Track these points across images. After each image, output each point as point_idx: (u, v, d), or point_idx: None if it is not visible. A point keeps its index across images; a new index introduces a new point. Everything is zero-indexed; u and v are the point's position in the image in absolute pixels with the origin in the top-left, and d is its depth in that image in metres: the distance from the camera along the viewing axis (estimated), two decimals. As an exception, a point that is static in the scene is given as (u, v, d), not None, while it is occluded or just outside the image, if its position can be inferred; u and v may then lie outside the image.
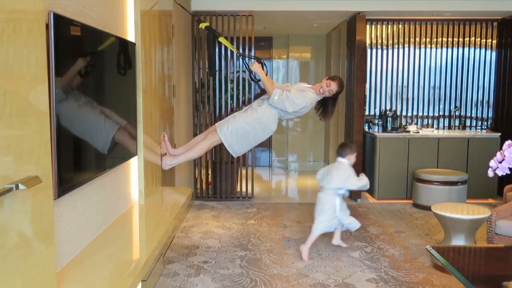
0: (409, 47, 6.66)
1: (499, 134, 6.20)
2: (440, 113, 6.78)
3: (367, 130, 6.46)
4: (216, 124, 3.98)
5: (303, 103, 3.84)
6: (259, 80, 3.87)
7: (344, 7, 5.87)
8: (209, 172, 6.34)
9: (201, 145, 3.93)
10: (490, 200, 6.04)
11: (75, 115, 2.22)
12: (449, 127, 6.76)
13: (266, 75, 3.85)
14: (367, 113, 6.65)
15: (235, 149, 3.90)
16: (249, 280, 3.59)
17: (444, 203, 4.86)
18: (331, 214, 4.14)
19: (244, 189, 6.26)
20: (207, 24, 3.87)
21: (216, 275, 3.70)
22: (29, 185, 1.53)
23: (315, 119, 8.55)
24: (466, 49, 6.68)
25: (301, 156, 8.67)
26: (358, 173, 4.35)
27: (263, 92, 4.18)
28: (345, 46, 6.59)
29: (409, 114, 6.75)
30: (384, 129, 6.31)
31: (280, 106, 3.79)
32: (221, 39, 3.92)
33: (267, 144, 8.76)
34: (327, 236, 4.64)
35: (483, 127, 6.73)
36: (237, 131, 3.82)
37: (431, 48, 6.68)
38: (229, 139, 3.84)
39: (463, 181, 5.67)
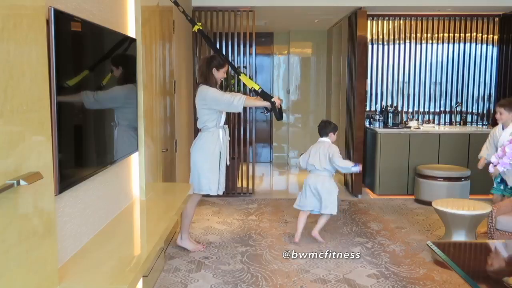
0: (410, 42, 6.65)
1: (500, 130, 6.18)
2: (441, 109, 6.77)
3: (368, 126, 6.46)
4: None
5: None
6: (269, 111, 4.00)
7: (345, 3, 5.86)
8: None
9: (187, 208, 4.13)
10: (491, 196, 6.03)
11: (76, 110, 2.22)
12: (450, 123, 6.75)
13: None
14: (368, 109, 6.64)
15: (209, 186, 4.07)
16: (250, 276, 3.60)
17: (445, 198, 4.87)
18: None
19: (245, 185, 6.26)
20: (199, 26, 3.85)
21: (217, 271, 3.71)
22: (30, 181, 1.53)
23: (316, 114, 8.55)
24: (467, 45, 6.66)
25: (302, 152, 8.66)
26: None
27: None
28: (346, 42, 6.57)
29: (410, 110, 6.75)
30: (385, 125, 6.31)
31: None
32: (242, 77, 4.02)
33: (267, 140, 8.76)
34: (328, 231, 4.65)
35: (484, 122, 6.72)
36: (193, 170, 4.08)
37: (432, 43, 6.66)
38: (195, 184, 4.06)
39: (466, 177, 5.67)
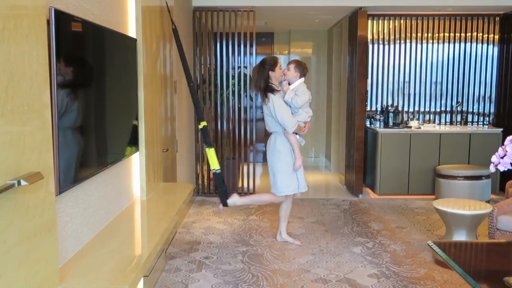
0: (411, 42, 6.64)
1: (501, 129, 6.18)
2: (442, 109, 6.77)
3: (368, 125, 6.45)
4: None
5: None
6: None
7: (346, 3, 5.85)
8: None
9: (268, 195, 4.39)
10: (492, 196, 6.03)
11: (76, 110, 2.22)
12: (451, 123, 6.74)
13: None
14: (368, 108, 6.63)
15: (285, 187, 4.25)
16: (250, 276, 3.60)
17: (446, 198, 4.87)
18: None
19: (245, 184, 6.26)
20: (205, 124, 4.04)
21: (218, 271, 3.71)
22: (31, 181, 1.53)
23: (316, 114, 8.54)
24: (468, 44, 6.65)
25: (303, 152, 8.63)
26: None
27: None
28: (347, 42, 6.57)
29: (411, 109, 6.74)
30: (386, 125, 6.30)
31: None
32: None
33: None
34: (329, 231, 4.65)
35: (485, 122, 6.71)
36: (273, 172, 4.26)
37: (433, 43, 6.65)
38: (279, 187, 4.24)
39: (487, 176, 5.68)
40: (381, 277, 3.57)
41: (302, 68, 4.19)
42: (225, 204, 4.17)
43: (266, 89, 4.08)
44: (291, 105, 4.10)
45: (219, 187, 4.10)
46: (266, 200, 4.48)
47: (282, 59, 8.55)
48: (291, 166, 4.18)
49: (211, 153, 3.94)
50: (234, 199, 4.23)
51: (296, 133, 4.18)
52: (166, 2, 3.97)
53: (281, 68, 4.14)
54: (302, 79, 4.19)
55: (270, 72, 4.09)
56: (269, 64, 4.11)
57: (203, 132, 3.98)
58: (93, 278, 2.04)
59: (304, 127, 4.22)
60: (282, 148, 4.16)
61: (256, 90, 4.21)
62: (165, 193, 3.72)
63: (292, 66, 4.17)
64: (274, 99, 4.03)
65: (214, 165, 3.96)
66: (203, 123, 3.96)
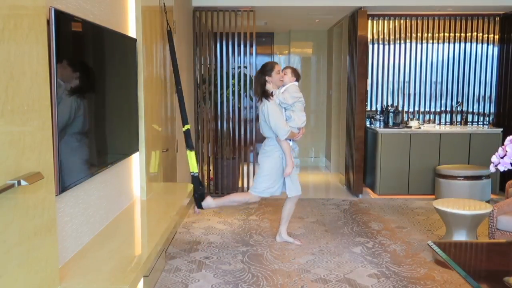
0: (411, 42, 6.64)
1: (501, 129, 6.19)
2: (442, 109, 6.77)
3: (368, 125, 6.45)
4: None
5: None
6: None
7: (345, 3, 5.86)
8: (211, 168, 6.34)
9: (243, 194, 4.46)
10: (492, 196, 6.03)
11: (76, 110, 2.22)
12: (451, 123, 6.74)
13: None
14: (368, 108, 6.64)
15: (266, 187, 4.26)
16: (250, 276, 3.60)
17: (446, 198, 4.87)
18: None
19: (245, 184, 6.26)
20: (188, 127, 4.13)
21: (218, 271, 3.71)
22: (31, 181, 1.53)
23: (316, 114, 8.55)
24: (468, 44, 6.65)
25: (303, 152, 8.66)
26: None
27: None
28: (347, 42, 6.57)
29: (411, 109, 6.74)
30: (386, 125, 6.30)
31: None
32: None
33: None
34: (329, 231, 4.65)
35: (485, 122, 6.71)
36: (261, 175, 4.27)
37: (433, 43, 6.66)
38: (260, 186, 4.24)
39: (487, 176, 5.69)
40: (381, 277, 3.58)
41: (297, 74, 4.29)
42: (200, 207, 4.20)
43: (263, 94, 4.14)
44: (283, 100, 4.12)
45: (196, 190, 4.10)
46: (241, 200, 4.43)
47: (282, 59, 8.57)
48: (278, 171, 4.23)
49: (191, 156, 4.04)
50: (208, 202, 4.26)
51: (290, 139, 4.19)
52: (163, 3, 3.97)
53: (279, 73, 4.18)
54: (296, 82, 4.26)
55: (267, 77, 4.15)
56: (266, 70, 4.18)
57: (186, 135, 4.07)
58: (93, 278, 2.04)
59: (298, 133, 4.23)
60: (273, 152, 4.21)
61: (256, 95, 4.29)
62: (165, 193, 3.72)
63: (289, 71, 4.25)
64: (268, 105, 4.08)
65: (193, 167, 4.06)
66: (187, 126, 4.06)
